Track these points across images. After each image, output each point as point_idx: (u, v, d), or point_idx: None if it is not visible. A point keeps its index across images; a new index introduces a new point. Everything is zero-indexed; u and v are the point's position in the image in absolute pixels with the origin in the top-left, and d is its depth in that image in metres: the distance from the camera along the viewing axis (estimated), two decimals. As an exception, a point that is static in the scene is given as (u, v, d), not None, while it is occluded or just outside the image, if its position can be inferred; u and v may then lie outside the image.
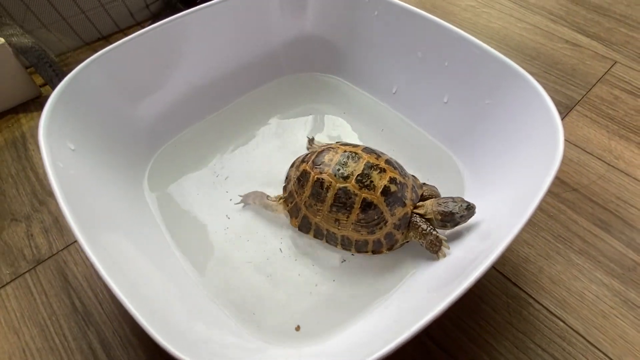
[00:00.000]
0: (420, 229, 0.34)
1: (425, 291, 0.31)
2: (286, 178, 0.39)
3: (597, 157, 0.46)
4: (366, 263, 0.36)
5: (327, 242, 0.36)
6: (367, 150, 0.36)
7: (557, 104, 0.52)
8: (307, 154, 0.38)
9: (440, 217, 0.33)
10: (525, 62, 0.58)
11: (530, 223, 0.40)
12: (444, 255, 0.33)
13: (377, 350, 0.22)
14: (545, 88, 0.55)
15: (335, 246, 0.36)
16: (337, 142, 0.39)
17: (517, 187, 0.33)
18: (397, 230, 0.34)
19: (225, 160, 0.43)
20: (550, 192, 0.43)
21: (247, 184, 0.41)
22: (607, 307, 0.35)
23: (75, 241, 0.39)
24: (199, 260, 0.36)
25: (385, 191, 0.33)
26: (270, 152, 0.44)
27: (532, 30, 0.64)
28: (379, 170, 0.34)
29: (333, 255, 0.37)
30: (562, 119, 0.50)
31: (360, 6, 0.44)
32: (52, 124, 0.31)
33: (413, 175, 0.38)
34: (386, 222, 0.34)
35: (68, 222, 0.26)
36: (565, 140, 0.48)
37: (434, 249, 0.34)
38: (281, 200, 0.38)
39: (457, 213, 0.33)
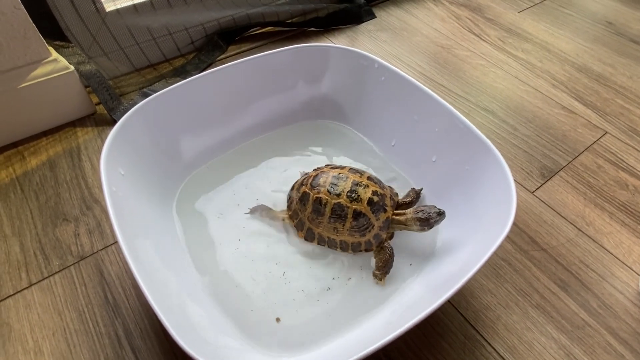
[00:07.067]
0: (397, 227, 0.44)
1: (389, 315, 0.38)
2: (288, 198, 0.48)
3: (569, 222, 0.52)
4: (346, 294, 0.43)
5: (328, 247, 0.45)
6: (352, 170, 0.45)
7: (543, 167, 0.58)
8: (304, 178, 0.47)
9: (418, 223, 0.42)
10: (520, 124, 0.64)
11: (497, 274, 0.46)
12: (383, 283, 0.43)
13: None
14: (534, 151, 0.61)
15: (336, 249, 0.44)
16: (326, 165, 0.47)
17: (480, 240, 0.39)
18: (382, 231, 0.43)
19: (243, 188, 0.51)
20: (519, 249, 0.49)
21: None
22: (552, 358, 0.41)
23: (112, 244, 0.48)
24: (209, 270, 0.44)
25: (370, 202, 0.42)
26: (280, 182, 0.52)
27: (533, 93, 0.69)
28: (363, 186, 0.43)
29: (319, 284, 0.44)
30: (544, 182, 0.56)
31: (371, 71, 0.51)
32: (109, 155, 0.39)
33: (390, 187, 0.47)
34: (373, 225, 0.42)
35: (115, 234, 0.34)
36: (543, 202, 0.54)
37: (383, 269, 0.42)
38: (287, 215, 0.47)
39: (432, 218, 0.41)
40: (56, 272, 0.45)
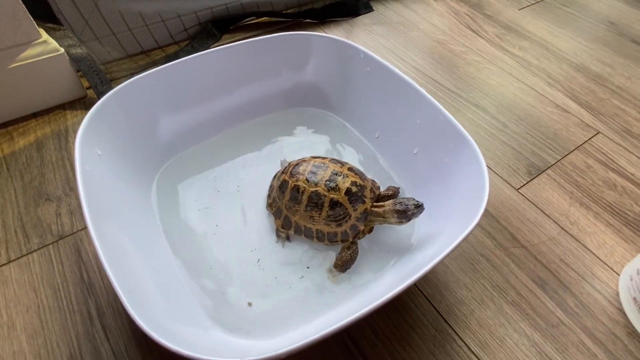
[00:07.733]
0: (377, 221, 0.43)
1: (360, 304, 0.38)
2: (270, 187, 0.48)
3: (553, 220, 0.51)
4: (319, 283, 0.43)
5: (305, 236, 0.44)
6: (334, 161, 0.45)
7: (530, 165, 0.57)
8: (285, 167, 0.46)
9: (396, 215, 0.41)
10: (511, 121, 0.63)
11: (473, 269, 0.46)
12: (334, 281, 0.42)
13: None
14: (523, 149, 0.61)
15: (312, 239, 0.44)
16: (310, 157, 0.47)
17: (452, 232, 0.39)
18: (360, 222, 0.42)
19: (224, 175, 0.51)
20: (499, 245, 0.48)
21: (241, 196, 0.49)
22: (523, 355, 0.40)
23: (92, 225, 0.48)
24: (183, 254, 0.44)
25: (348, 192, 0.42)
26: (262, 171, 0.52)
27: (527, 91, 0.68)
28: (342, 176, 0.43)
29: (292, 272, 0.43)
30: (531, 180, 0.55)
31: (356, 61, 0.51)
32: (86, 134, 0.39)
33: (372, 180, 0.46)
34: (350, 216, 0.42)
35: (84, 216, 0.35)
36: (528, 200, 0.54)
37: (340, 267, 0.42)
38: (267, 205, 0.47)
39: (410, 211, 0.40)
40: (35, 250, 0.46)
